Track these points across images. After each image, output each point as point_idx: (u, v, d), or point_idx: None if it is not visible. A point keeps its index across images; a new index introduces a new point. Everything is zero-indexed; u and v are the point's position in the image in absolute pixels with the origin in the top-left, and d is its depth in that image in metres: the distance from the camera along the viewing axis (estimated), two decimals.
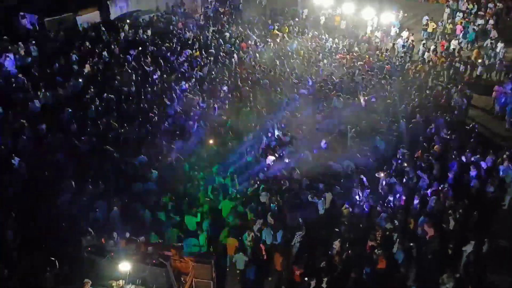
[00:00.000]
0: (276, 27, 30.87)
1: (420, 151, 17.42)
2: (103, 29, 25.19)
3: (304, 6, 34.74)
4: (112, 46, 23.93)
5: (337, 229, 13.51)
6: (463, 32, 28.61)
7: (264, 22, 31.74)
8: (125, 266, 10.07)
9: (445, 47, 27.68)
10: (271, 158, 16.97)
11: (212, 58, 25.19)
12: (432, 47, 27.53)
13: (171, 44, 25.79)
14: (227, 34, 28.60)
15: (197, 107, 20.25)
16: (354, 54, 27.99)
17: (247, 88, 22.24)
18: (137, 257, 10.54)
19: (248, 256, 12.72)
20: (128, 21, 27.05)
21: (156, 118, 18.95)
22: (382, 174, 15.87)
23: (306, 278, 11.65)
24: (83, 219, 13.33)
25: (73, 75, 20.47)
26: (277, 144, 18.15)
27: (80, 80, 20.34)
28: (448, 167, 16.22)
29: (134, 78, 21.58)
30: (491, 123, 21.27)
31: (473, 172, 15.79)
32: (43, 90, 18.99)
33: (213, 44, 26.95)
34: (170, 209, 14.23)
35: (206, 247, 13.23)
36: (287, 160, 17.03)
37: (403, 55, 27.96)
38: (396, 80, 23.86)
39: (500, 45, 25.51)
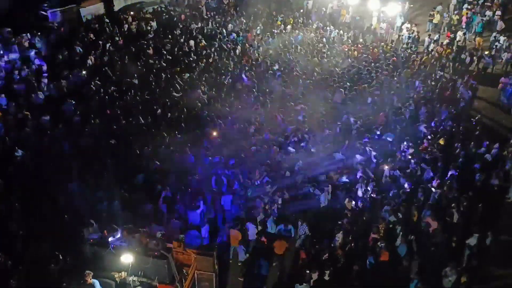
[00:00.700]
0: (281, 19, 30.67)
1: (425, 144, 17.33)
2: (107, 20, 25.11)
3: None
4: (116, 38, 23.87)
5: (340, 222, 13.48)
6: (466, 22, 28.35)
7: (268, 13, 31.52)
8: (127, 258, 10.07)
9: (450, 38, 27.42)
10: (276, 149, 16.94)
11: (216, 49, 25.06)
12: (436, 37, 27.34)
13: (175, 35, 25.68)
14: (231, 26, 28.45)
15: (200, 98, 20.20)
16: (359, 45, 27.78)
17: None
18: (139, 249, 10.54)
19: (250, 248, 12.74)
20: (131, 12, 26.93)
21: (159, 110, 18.91)
22: (386, 167, 15.80)
23: (308, 271, 11.63)
24: (87, 210, 13.40)
25: (77, 67, 20.41)
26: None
27: (84, 72, 20.30)
28: (452, 160, 16.12)
29: (137, 69, 21.53)
30: (497, 115, 21.11)
31: (477, 165, 15.70)
32: (46, 82, 18.97)
33: (217, 35, 26.80)
34: (172, 201, 14.23)
35: (209, 239, 13.23)
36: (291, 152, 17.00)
37: (408, 46, 27.72)
38: (402, 72, 23.67)
39: (502, 38, 25.27)
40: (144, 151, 16.44)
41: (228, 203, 14.56)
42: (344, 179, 15.59)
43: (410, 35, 28.34)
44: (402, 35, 28.95)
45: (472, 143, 17.01)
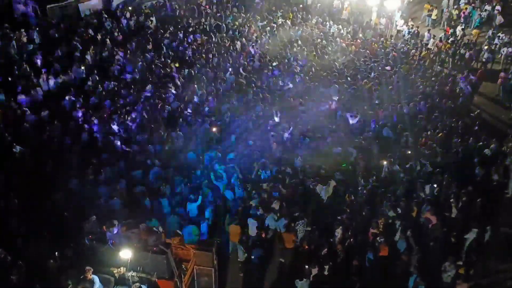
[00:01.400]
0: (280, 14, 30.58)
1: (424, 139, 17.33)
2: (105, 16, 25.03)
3: None
4: (115, 34, 23.80)
5: (339, 217, 13.49)
6: (464, 17, 28.30)
7: (268, 8, 31.42)
8: (126, 254, 10.07)
9: (450, 33, 27.38)
10: (275, 145, 16.91)
11: (215, 45, 25.02)
12: (432, 33, 27.35)
13: (174, 30, 25.62)
14: (230, 21, 28.37)
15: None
16: (358, 40, 27.72)
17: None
18: (138, 244, 10.55)
19: (250, 243, 12.75)
20: (130, 8, 26.83)
21: (159, 105, 18.93)
22: (385, 162, 15.79)
23: (307, 266, 11.64)
24: (86, 206, 13.42)
25: (75, 63, 20.36)
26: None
27: (83, 67, 20.25)
28: (452, 155, 16.12)
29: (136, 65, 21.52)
30: (496, 110, 21.11)
31: (476, 160, 15.70)
32: (45, 78, 18.92)
33: (216, 30, 26.74)
34: (171, 196, 14.23)
35: (208, 235, 13.24)
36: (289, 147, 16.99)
37: (408, 41, 27.66)
38: (401, 67, 23.62)
39: (501, 35, 25.28)
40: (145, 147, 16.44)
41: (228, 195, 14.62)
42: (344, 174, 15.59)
43: (410, 30, 28.28)
44: (402, 30, 28.87)
45: (471, 138, 16.99)
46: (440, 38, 26.71)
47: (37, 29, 21.87)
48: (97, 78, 19.79)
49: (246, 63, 23.72)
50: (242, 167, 15.78)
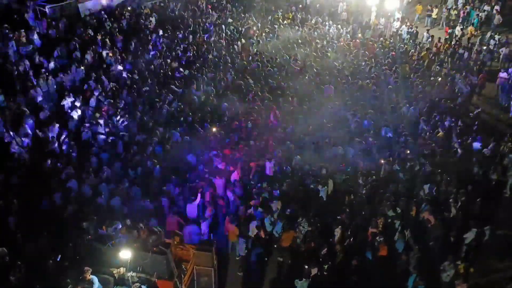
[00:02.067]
0: (280, 14, 30.58)
1: (423, 138, 17.36)
2: (105, 16, 25.03)
3: None
4: (115, 34, 23.79)
5: (338, 217, 13.51)
6: (463, 17, 28.34)
7: (267, 8, 31.42)
8: (125, 254, 10.09)
9: (449, 33, 27.40)
10: (274, 146, 16.95)
11: (215, 45, 25.04)
12: (431, 33, 27.41)
13: (174, 31, 25.64)
14: (230, 21, 28.38)
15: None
16: (358, 40, 27.73)
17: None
18: (138, 244, 10.57)
19: (249, 242, 12.77)
20: (129, 8, 26.82)
21: (159, 105, 18.95)
22: (382, 161, 15.83)
23: (306, 266, 11.65)
24: (86, 205, 13.44)
25: (75, 63, 20.36)
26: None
27: (82, 68, 20.25)
28: (451, 154, 16.16)
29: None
30: (495, 110, 21.13)
31: (475, 159, 15.72)
32: (45, 78, 18.93)
33: (215, 31, 26.76)
34: (172, 196, 14.25)
35: (208, 235, 13.26)
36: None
37: (407, 41, 27.68)
38: (400, 67, 23.64)
39: (497, 36, 25.31)
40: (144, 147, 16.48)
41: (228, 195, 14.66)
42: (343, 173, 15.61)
43: (409, 30, 28.30)
44: (401, 30, 28.88)
45: (470, 138, 17.02)
46: (439, 38, 26.71)
47: (37, 29, 21.87)
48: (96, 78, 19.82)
49: (245, 63, 23.69)
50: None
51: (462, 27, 27.68)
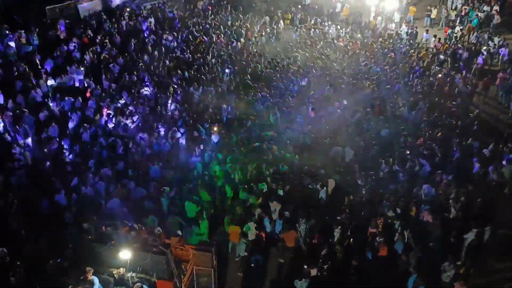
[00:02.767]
0: (279, 14, 30.57)
1: (422, 138, 17.36)
2: (104, 17, 25.05)
3: None
4: (115, 35, 23.81)
5: (338, 217, 13.50)
6: (459, 17, 28.40)
7: (266, 9, 31.44)
8: (125, 254, 10.09)
9: (448, 34, 27.42)
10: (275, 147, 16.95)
11: (214, 46, 25.06)
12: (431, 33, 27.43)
13: (172, 32, 25.66)
14: (229, 22, 28.39)
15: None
16: (357, 41, 27.74)
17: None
18: (138, 245, 10.57)
19: (249, 243, 12.75)
20: (128, 9, 26.84)
21: (159, 106, 18.95)
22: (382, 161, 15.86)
23: (305, 266, 11.65)
24: (86, 206, 13.43)
25: (75, 64, 20.37)
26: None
27: (82, 68, 20.26)
28: (450, 154, 16.15)
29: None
30: (495, 110, 21.12)
31: (475, 159, 15.72)
32: (44, 78, 18.95)
33: (214, 32, 26.79)
34: (171, 197, 14.26)
35: (207, 235, 13.25)
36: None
37: (406, 42, 27.69)
38: (399, 67, 23.65)
39: (496, 39, 25.31)
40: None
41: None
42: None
43: (408, 30, 28.31)
44: (401, 31, 28.89)
45: (471, 137, 17.02)
46: (439, 38, 26.73)
47: (37, 30, 21.88)
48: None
49: (245, 63, 23.70)
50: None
51: (461, 27, 27.70)
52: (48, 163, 15.16)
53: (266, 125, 18.62)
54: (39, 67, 19.74)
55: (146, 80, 20.69)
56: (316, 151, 16.89)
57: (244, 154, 16.47)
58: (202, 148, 16.97)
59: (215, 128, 17.80)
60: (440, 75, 22.82)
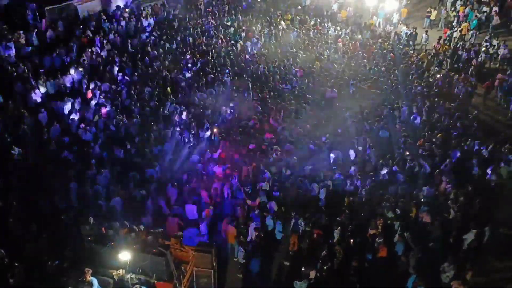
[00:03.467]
0: (279, 15, 30.56)
1: (422, 139, 17.36)
2: (104, 18, 25.00)
3: None
4: (114, 35, 23.80)
5: (338, 218, 13.50)
6: (456, 18, 28.44)
7: (266, 9, 31.43)
8: (125, 256, 10.09)
9: (448, 35, 27.42)
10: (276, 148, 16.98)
11: (214, 46, 25.06)
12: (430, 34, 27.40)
13: (173, 33, 25.67)
14: (229, 22, 28.39)
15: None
16: (357, 42, 27.74)
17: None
18: (138, 246, 10.56)
19: (247, 246, 12.76)
20: (127, 10, 26.80)
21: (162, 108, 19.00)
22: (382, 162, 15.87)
23: (303, 268, 11.64)
24: (86, 207, 13.43)
25: (74, 65, 20.36)
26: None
27: (81, 69, 20.24)
28: (450, 155, 16.16)
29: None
30: (494, 111, 21.12)
31: (475, 160, 15.72)
32: (43, 79, 18.93)
33: (214, 33, 26.79)
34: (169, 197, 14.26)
35: (207, 236, 13.25)
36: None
37: (406, 43, 27.69)
38: (399, 68, 23.65)
39: (495, 41, 25.34)
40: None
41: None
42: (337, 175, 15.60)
43: (408, 32, 28.31)
44: (400, 32, 28.88)
45: (469, 139, 17.02)
46: (439, 38, 26.73)
47: (35, 30, 21.84)
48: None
49: (244, 64, 23.69)
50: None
51: (461, 28, 27.69)
52: (48, 163, 15.12)
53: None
54: (39, 67, 19.70)
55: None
56: (316, 152, 16.88)
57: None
58: (202, 148, 16.97)
59: (215, 129, 17.81)
60: (439, 76, 22.82)
